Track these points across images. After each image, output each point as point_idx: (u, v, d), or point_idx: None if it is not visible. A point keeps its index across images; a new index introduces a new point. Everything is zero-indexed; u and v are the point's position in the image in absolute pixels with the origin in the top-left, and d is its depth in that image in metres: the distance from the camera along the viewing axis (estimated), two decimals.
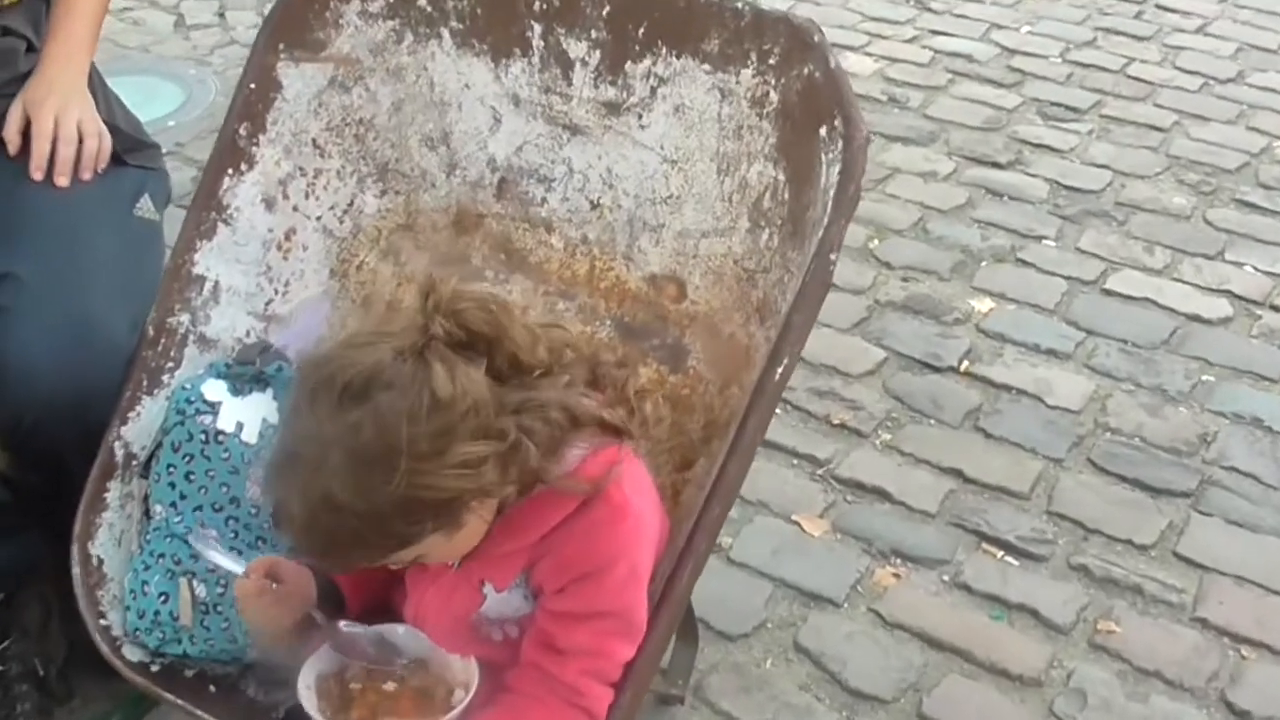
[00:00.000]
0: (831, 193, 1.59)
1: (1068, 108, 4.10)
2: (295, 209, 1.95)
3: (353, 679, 1.48)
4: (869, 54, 4.41)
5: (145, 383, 1.82)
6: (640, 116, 1.82)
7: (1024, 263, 3.37)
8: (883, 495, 2.61)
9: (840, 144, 1.60)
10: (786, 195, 1.73)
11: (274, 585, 1.51)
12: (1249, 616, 2.37)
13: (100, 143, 1.99)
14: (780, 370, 1.54)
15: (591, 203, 1.90)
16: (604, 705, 1.46)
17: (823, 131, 1.64)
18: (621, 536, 1.42)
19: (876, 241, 3.44)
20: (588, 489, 1.38)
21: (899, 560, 2.47)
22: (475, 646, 1.51)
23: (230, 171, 1.86)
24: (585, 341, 1.49)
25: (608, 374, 1.48)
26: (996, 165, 3.81)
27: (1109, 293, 3.26)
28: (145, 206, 2.04)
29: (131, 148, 2.10)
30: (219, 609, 1.71)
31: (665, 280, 1.88)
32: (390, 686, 1.47)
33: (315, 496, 1.28)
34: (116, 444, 1.80)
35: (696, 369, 1.87)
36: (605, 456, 1.40)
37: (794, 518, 2.55)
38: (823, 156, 1.64)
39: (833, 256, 1.55)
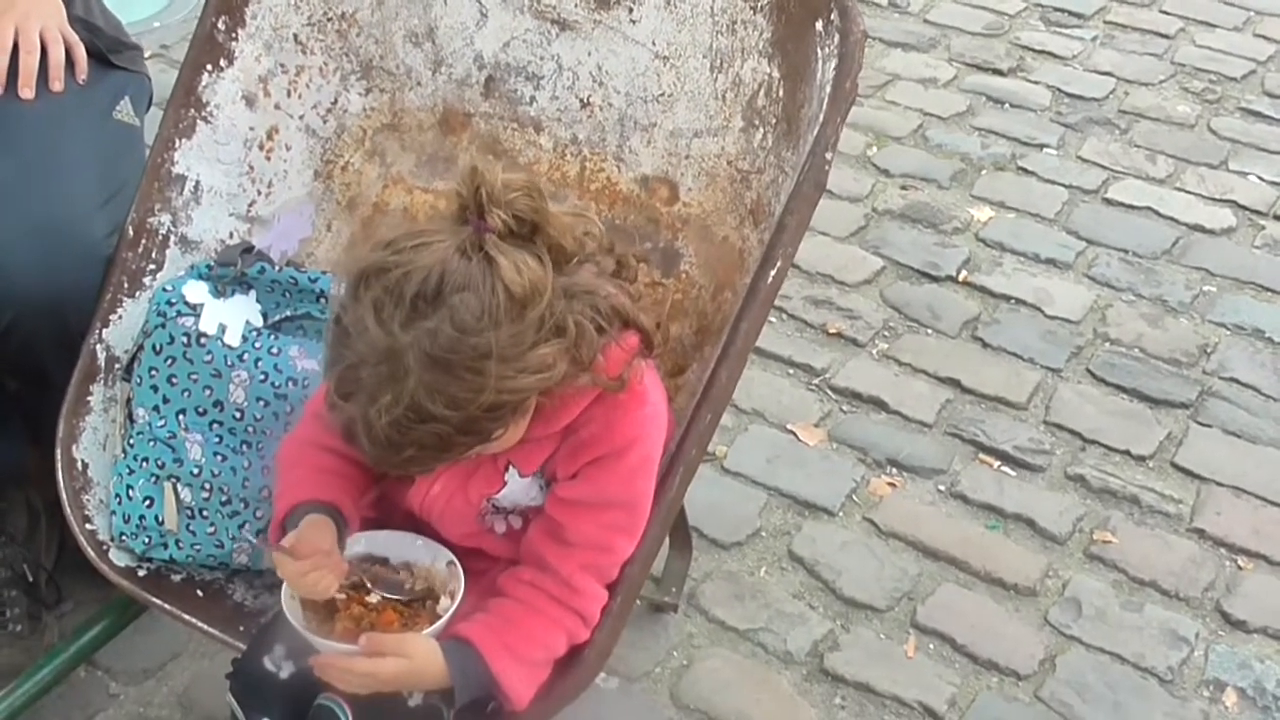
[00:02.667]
0: (827, 89, 1.54)
1: (1071, 13, 4.02)
2: (277, 107, 1.89)
3: (338, 589, 1.45)
4: None
5: (126, 284, 1.78)
6: (631, 10, 1.76)
7: (1025, 171, 3.32)
8: (879, 405, 2.59)
9: (836, 39, 1.55)
10: (781, 93, 1.68)
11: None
12: (1246, 527, 2.36)
13: (73, 50, 1.93)
14: (773, 273, 1.50)
15: (581, 101, 1.85)
16: (597, 606, 1.45)
17: (818, 25, 1.59)
18: (639, 422, 1.41)
19: (875, 149, 3.38)
20: (616, 386, 1.36)
21: (895, 470, 2.45)
22: (476, 537, 1.50)
23: (209, 67, 1.81)
24: (601, 230, 1.45)
25: (628, 262, 1.45)
26: (998, 72, 3.74)
27: (1110, 202, 3.21)
28: (124, 110, 1.98)
29: (112, 48, 2.04)
30: (204, 513, 1.69)
31: (657, 182, 1.84)
32: (374, 598, 1.44)
33: (402, 410, 1.24)
34: (98, 347, 1.77)
35: (689, 273, 1.83)
36: (626, 347, 1.37)
37: (789, 427, 2.53)
38: (818, 52, 1.59)
39: (828, 155, 1.51)
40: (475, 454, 1.36)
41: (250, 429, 1.69)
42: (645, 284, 1.49)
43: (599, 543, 1.43)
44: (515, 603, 1.44)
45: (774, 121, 1.70)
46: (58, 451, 1.74)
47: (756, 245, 1.75)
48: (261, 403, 1.68)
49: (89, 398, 1.76)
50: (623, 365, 1.36)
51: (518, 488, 1.45)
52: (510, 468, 1.44)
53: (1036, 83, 3.68)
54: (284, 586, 1.44)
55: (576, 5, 1.79)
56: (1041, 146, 3.41)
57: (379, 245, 1.31)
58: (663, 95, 1.79)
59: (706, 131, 1.77)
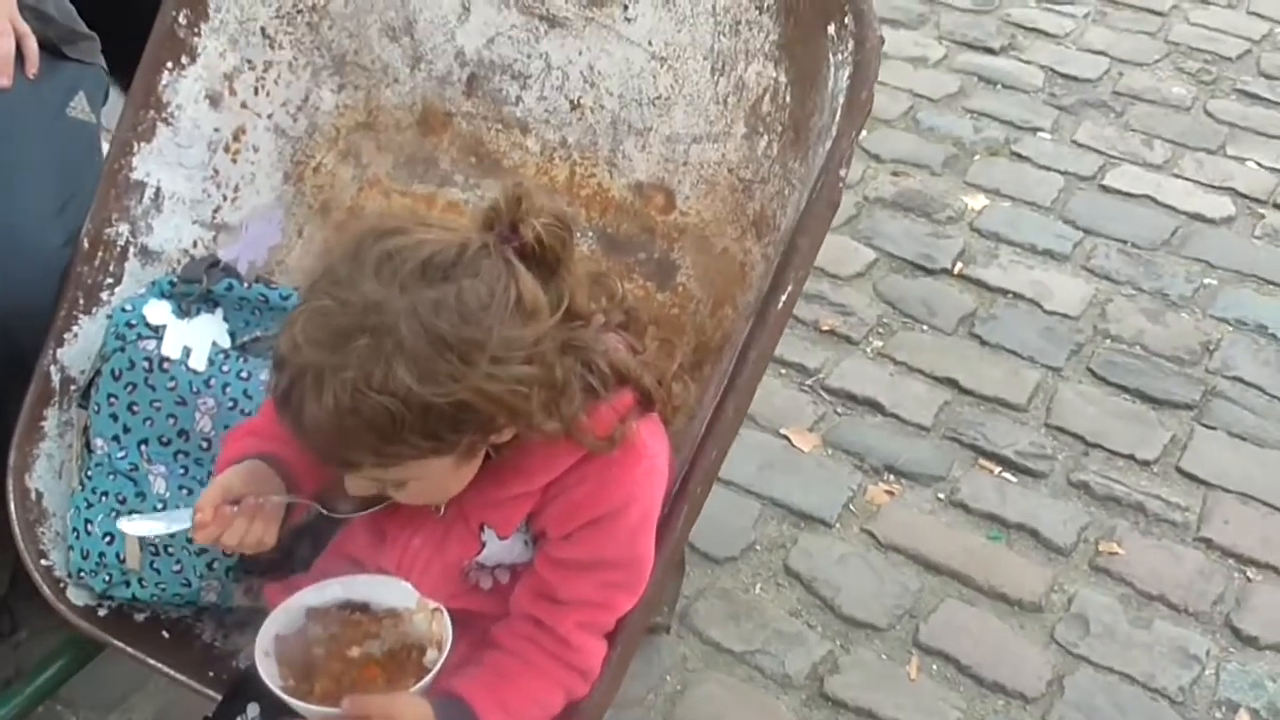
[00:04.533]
0: (840, 99, 1.44)
1: None
2: (244, 106, 1.76)
3: (315, 642, 1.34)
4: None
5: (82, 300, 1.66)
6: (626, 7, 1.64)
7: (1019, 156, 3.22)
8: (875, 407, 2.49)
9: (850, 45, 1.44)
10: (788, 98, 1.57)
11: (234, 508, 1.30)
12: (1254, 536, 2.28)
13: (23, 42, 1.79)
14: (784, 298, 1.39)
15: (571, 102, 1.73)
16: (597, 661, 1.35)
17: (830, 29, 1.47)
18: (635, 480, 1.30)
19: (865, 132, 3.25)
20: (605, 447, 1.25)
21: (893, 477, 2.36)
22: (462, 596, 1.39)
23: (169, 65, 1.67)
24: (619, 287, 1.38)
25: (638, 318, 1.37)
26: (989, 51, 3.63)
27: (1107, 189, 3.12)
28: (79, 106, 1.85)
29: (65, 38, 1.90)
30: (169, 550, 1.57)
31: (652, 189, 1.73)
32: (355, 652, 1.33)
33: (369, 372, 1.12)
34: (52, 368, 1.64)
35: (686, 286, 1.72)
36: (618, 407, 1.27)
37: (783, 431, 2.43)
38: (830, 58, 1.48)
39: (842, 173, 1.40)
40: (413, 478, 1.23)
41: (217, 460, 1.57)
42: (653, 318, 1.40)
43: (597, 601, 1.33)
44: (510, 656, 1.33)
45: (780, 129, 1.59)
46: (9, 481, 1.62)
47: (759, 259, 1.65)
48: None
49: (43, 423, 1.64)
50: (613, 426, 1.26)
51: (499, 548, 1.35)
52: (485, 529, 1.33)
53: (1029, 62, 3.58)
54: (256, 642, 1.33)
55: (566, 1, 1.67)
56: (1035, 130, 3.31)
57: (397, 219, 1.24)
58: (659, 98, 1.67)
59: (706, 137, 1.66)
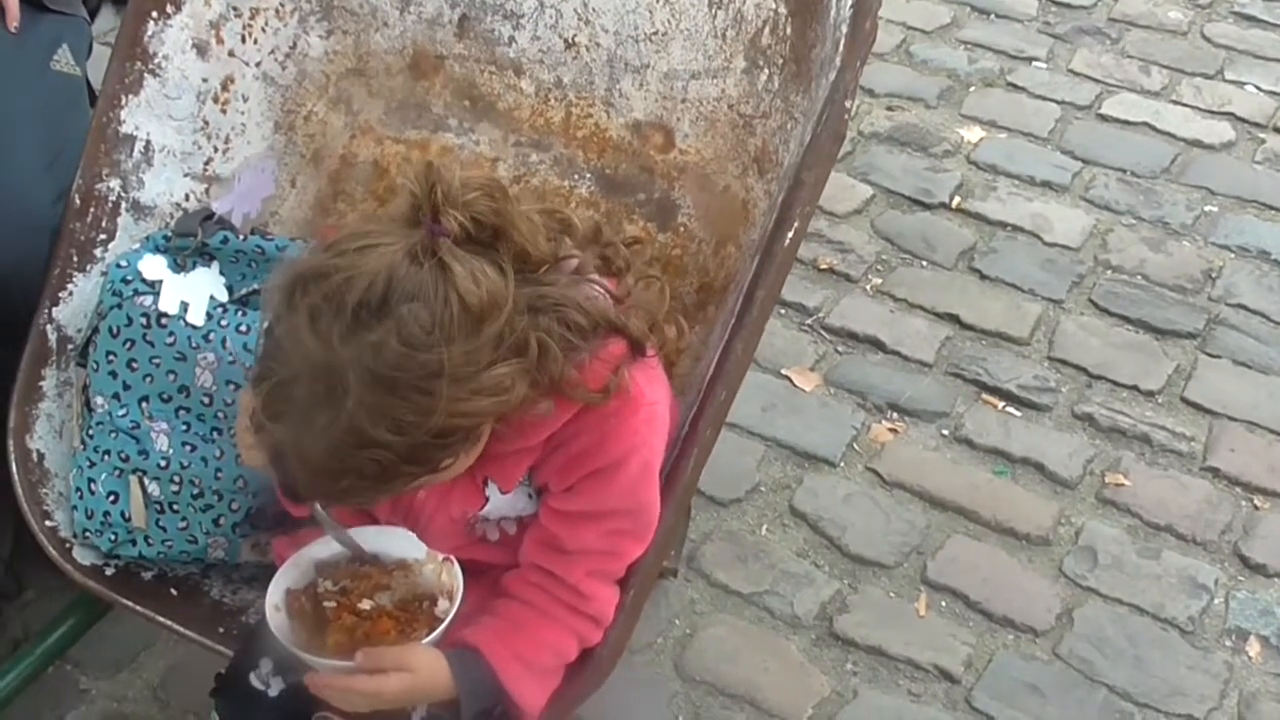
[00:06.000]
0: (843, 29, 1.41)
1: None
2: (231, 54, 1.73)
3: (325, 596, 1.33)
4: None
5: (75, 258, 1.63)
6: None
7: (1014, 87, 3.18)
8: (876, 345, 2.47)
9: None
10: (789, 30, 1.54)
11: None
12: (1261, 464, 2.27)
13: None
14: (790, 235, 1.36)
15: (566, 41, 1.70)
16: (610, 607, 1.34)
17: None
18: (635, 429, 1.27)
19: None
20: (600, 399, 1.23)
21: (896, 415, 2.34)
22: (469, 548, 1.37)
23: (154, 14, 1.64)
24: (585, 223, 1.32)
25: (618, 254, 1.32)
26: None
27: (1105, 118, 3.09)
28: (64, 59, 1.81)
29: None
30: (174, 507, 1.56)
31: (651, 128, 1.70)
32: (367, 605, 1.32)
33: (338, 434, 1.10)
34: (48, 327, 1.62)
35: (688, 226, 1.70)
36: (607, 358, 1.24)
37: (784, 372, 2.41)
38: None
39: (848, 104, 1.38)
40: (422, 485, 1.22)
41: (220, 415, 1.55)
42: (644, 261, 1.36)
43: (604, 549, 1.31)
44: (523, 605, 1.32)
45: (780, 62, 1.56)
46: (10, 443, 1.60)
47: (762, 196, 1.62)
48: (231, 386, 1.54)
49: (41, 383, 1.62)
50: (606, 377, 1.23)
51: (502, 503, 1.33)
52: (489, 483, 1.32)
53: None
54: (267, 597, 1.32)
55: None
56: (1031, 60, 3.27)
57: (319, 249, 1.18)
58: (656, 34, 1.64)
59: (705, 73, 1.63)
